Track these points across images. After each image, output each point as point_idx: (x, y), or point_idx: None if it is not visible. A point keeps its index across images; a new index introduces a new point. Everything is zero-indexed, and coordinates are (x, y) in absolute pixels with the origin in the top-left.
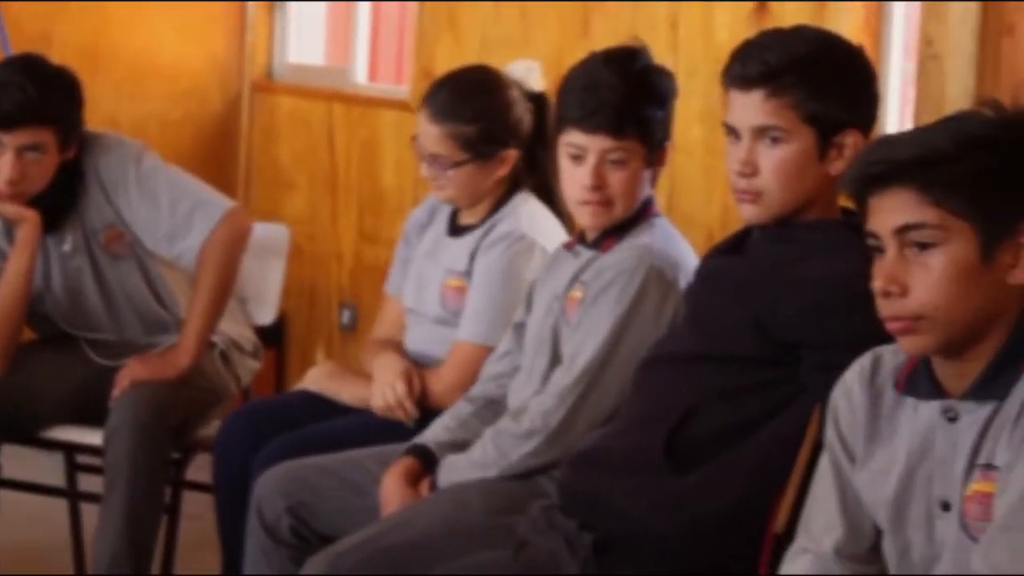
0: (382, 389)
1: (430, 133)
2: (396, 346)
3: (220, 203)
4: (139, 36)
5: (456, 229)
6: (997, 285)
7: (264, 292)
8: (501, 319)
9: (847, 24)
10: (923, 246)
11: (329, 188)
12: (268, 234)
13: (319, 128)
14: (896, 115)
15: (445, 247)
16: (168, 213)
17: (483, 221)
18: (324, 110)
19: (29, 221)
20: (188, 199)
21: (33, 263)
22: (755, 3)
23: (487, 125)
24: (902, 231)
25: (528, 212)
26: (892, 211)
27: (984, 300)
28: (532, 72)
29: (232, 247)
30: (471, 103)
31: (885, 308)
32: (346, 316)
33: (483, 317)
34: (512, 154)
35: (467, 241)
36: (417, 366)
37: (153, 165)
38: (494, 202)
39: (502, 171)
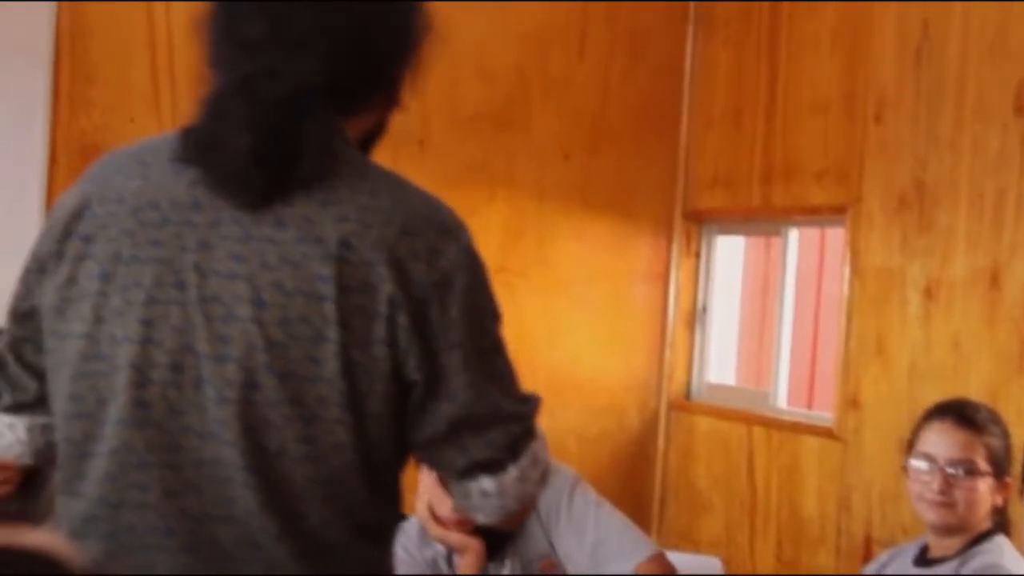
0: None
1: (960, 439)
2: None
3: (646, 545)
4: (560, 350)
5: (926, 561)
6: None
7: None
8: None
9: None
10: None
11: (747, 513)
12: (696, 565)
13: (737, 451)
14: None
15: None
16: (591, 548)
17: (958, 554)
18: (743, 433)
19: (472, 550)
20: (614, 537)
21: None
22: None
23: (1007, 444)
24: None
25: (1011, 552)
26: None
27: None
28: None
29: None
30: (998, 424)
31: None
32: None
33: None
34: (1007, 484)
35: (941, 571)
36: None
37: (585, 499)
38: (971, 537)
39: (999, 499)
